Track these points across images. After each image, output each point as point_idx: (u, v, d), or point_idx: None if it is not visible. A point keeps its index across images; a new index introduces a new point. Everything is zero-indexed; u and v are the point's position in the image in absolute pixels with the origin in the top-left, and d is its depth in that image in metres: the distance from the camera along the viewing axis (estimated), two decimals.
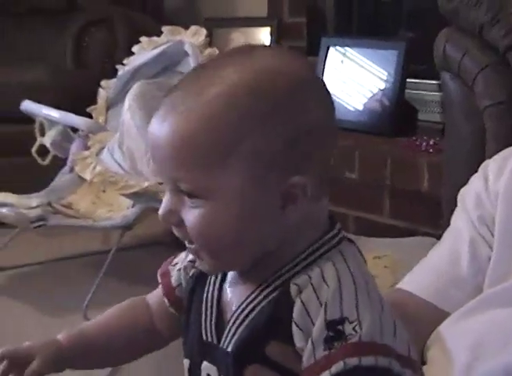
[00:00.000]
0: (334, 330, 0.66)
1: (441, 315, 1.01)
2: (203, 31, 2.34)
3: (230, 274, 0.75)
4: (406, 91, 2.63)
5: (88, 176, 2.10)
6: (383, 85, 2.62)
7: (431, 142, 2.26)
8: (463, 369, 0.92)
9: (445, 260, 1.07)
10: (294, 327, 0.68)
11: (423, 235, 1.94)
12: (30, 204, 2.24)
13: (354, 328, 0.66)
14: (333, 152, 0.72)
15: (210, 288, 0.76)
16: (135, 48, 2.48)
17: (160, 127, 0.69)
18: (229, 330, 0.72)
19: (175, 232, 0.72)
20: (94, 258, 2.60)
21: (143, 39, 2.47)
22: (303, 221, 0.70)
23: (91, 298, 2.20)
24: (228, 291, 0.75)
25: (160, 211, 0.72)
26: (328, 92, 0.72)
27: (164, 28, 2.44)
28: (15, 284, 2.53)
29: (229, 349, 0.71)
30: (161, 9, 3.40)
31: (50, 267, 2.65)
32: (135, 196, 2.06)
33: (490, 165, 1.09)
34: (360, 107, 2.67)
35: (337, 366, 0.65)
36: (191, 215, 0.69)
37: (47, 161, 2.49)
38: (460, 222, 1.07)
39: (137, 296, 2.38)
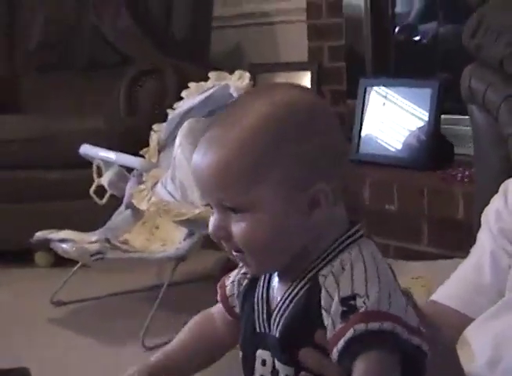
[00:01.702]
0: (347, 305, 0.78)
1: (467, 321, 1.09)
2: (247, 75, 2.46)
3: (274, 276, 0.88)
4: (443, 126, 2.72)
5: (144, 207, 2.23)
6: (420, 122, 2.71)
7: (466, 173, 2.36)
8: (485, 366, 1.01)
9: (469, 271, 1.16)
10: (323, 311, 0.80)
11: None
12: (89, 239, 2.37)
13: (363, 301, 0.78)
14: (346, 166, 0.86)
15: (260, 290, 0.89)
16: (183, 93, 2.61)
17: (203, 158, 0.82)
18: (275, 319, 0.85)
19: (224, 245, 0.85)
20: (149, 293, 2.68)
21: (191, 84, 2.59)
22: (325, 222, 0.83)
23: (147, 328, 2.29)
24: (274, 289, 0.87)
25: (211, 229, 0.85)
26: (336, 119, 0.86)
27: (211, 73, 2.55)
28: (76, 318, 2.62)
29: (277, 335, 0.84)
30: (208, 55, 3.52)
31: (108, 301, 2.75)
32: (188, 222, 2.18)
33: (510, 184, 1.18)
34: (399, 144, 2.76)
35: (349, 333, 0.77)
36: (237, 228, 0.82)
37: (104, 201, 2.61)
38: (483, 237, 1.17)
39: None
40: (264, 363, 0.86)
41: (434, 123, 2.67)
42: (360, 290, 0.79)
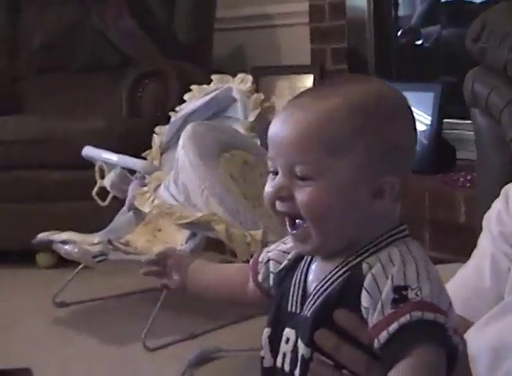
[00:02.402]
0: (400, 294, 0.79)
1: (468, 324, 1.09)
2: (250, 78, 2.47)
3: (314, 261, 0.90)
4: (445, 131, 2.72)
5: (146, 209, 2.24)
6: (422, 126, 2.72)
7: (468, 178, 2.36)
8: (486, 368, 1.02)
9: (470, 275, 1.17)
10: (364, 292, 0.81)
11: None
12: (91, 240, 2.38)
13: (416, 293, 0.79)
14: (410, 169, 0.88)
15: (299, 272, 0.90)
16: (186, 96, 2.62)
17: (289, 119, 0.85)
18: (311, 299, 0.86)
19: (281, 207, 0.86)
20: (151, 294, 2.67)
21: (194, 87, 2.61)
22: (383, 215, 0.85)
23: (149, 330, 2.30)
24: (313, 272, 0.89)
25: (272, 187, 0.86)
26: (415, 123, 0.89)
27: (214, 76, 2.57)
28: (78, 319, 2.64)
29: (308, 315, 0.85)
30: (210, 59, 3.53)
31: (110, 303, 2.76)
32: (190, 225, 2.18)
33: (511, 188, 1.19)
34: None
35: (405, 319, 0.78)
36: (302, 192, 0.83)
37: (106, 202, 2.62)
38: (484, 241, 1.17)
39: (190, 327, 2.50)
40: (287, 341, 0.88)
41: (437, 127, 2.67)
42: (412, 283, 0.80)
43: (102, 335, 2.44)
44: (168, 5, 3.59)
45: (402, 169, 0.86)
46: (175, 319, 2.50)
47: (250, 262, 0.98)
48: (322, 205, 0.83)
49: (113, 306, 2.74)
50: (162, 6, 3.59)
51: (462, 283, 1.17)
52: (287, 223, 0.86)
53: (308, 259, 0.91)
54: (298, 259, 0.92)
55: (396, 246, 0.84)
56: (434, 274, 0.82)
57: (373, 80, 0.91)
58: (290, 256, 0.93)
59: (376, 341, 0.80)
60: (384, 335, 0.80)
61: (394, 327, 0.79)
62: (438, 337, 0.79)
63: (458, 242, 2.21)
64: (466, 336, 1.05)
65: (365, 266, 0.83)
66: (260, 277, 0.96)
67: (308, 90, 0.89)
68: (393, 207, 0.86)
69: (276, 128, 0.86)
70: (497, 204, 1.19)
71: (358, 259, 0.84)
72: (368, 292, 0.81)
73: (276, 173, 0.86)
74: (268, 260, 0.95)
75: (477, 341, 1.04)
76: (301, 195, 0.84)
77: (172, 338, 2.36)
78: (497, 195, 1.20)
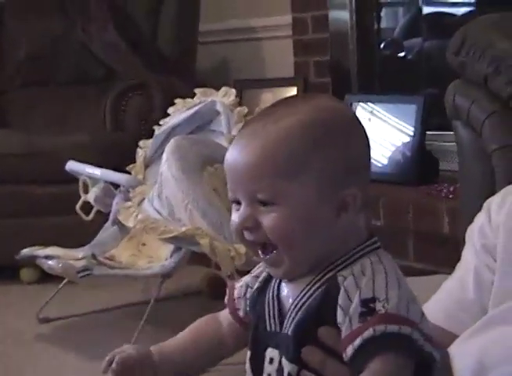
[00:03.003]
0: (367, 306, 0.81)
1: (451, 337, 1.09)
2: (233, 91, 2.48)
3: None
4: (428, 142, 2.74)
5: (131, 224, 2.24)
6: (405, 138, 2.74)
7: (451, 189, 2.38)
8: None
9: (454, 288, 1.17)
10: (338, 308, 0.82)
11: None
12: (75, 256, 2.37)
13: (383, 305, 0.81)
14: (368, 179, 0.90)
15: (271, 290, 0.91)
16: (170, 110, 2.62)
17: (242, 150, 0.85)
18: (290, 315, 0.87)
19: (249, 236, 0.86)
20: (135, 309, 2.70)
21: (178, 101, 2.61)
22: (349, 227, 0.86)
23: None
24: (286, 289, 0.89)
25: (238, 219, 0.86)
26: (366, 134, 0.90)
27: (197, 90, 2.57)
28: (62, 334, 2.63)
29: (290, 332, 0.86)
30: (193, 72, 3.53)
31: (95, 318, 2.76)
32: (175, 240, 2.18)
33: (493, 200, 1.19)
34: (385, 159, 2.78)
35: (368, 333, 0.80)
36: (268, 218, 0.84)
37: (90, 217, 2.61)
38: (467, 254, 1.18)
39: None
40: (271, 361, 0.88)
41: (420, 138, 2.69)
42: (380, 294, 0.81)
43: (87, 351, 2.42)
44: (152, 19, 3.60)
45: (361, 180, 0.87)
46: (160, 334, 2.46)
47: (225, 299, 0.97)
48: (287, 230, 0.84)
49: (97, 321, 2.73)
50: (146, 19, 3.60)
51: (446, 296, 1.17)
52: (259, 250, 0.87)
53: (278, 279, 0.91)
54: (268, 280, 0.92)
55: (368, 257, 0.85)
56: (403, 285, 0.84)
57: (323, 97, 0.92)
58: (260, 278, 0.93)
59: (344, 355, 0.82)
60: (350, 349, 0.81)
61: (358, 341, 0.80)
62: (403, 348, 0.80)
63: (442, 253, 2.22)
64: (450, 349, 1.06)
65: (340, 279, 0.84)
66: (241, 313, 0.95)
67: (259, 115, 0.89)
68: (357, 219, 0.88)
69: (231, 159, 0.87)
70: (480, 218, 1.19)
71: (334, 271, 0.85)
72: (341, 308, 0.82)
73: (239, 203, 0.87)
74: (246, 291, 0.95)
75: (462, 354, 1.04)
76: (266, 221, 0.85)
77: None
78: (479, 206, 1.21)
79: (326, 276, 0.85)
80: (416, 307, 0.83)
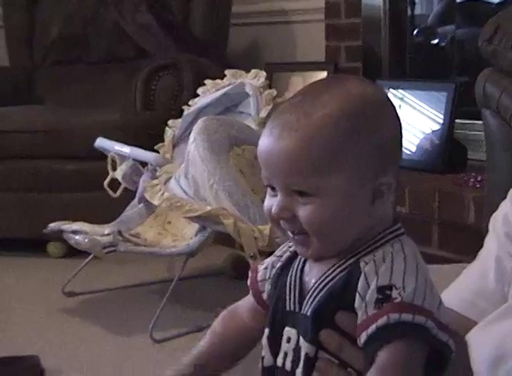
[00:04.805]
0: (383, 293, 0.81)
1: (470, 324, 1.09)
2: (263, 74, 2.48)
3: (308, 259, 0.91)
4: (457, 131, 2.72)
5: (156, 202, 2.26)
6: (435, 125, 2.72)
7: (478, 179, 2.36)
8: (488, 367, 1.02)
9: (474, 275, 1.17)
10: (357, 293, 0.83)
11: None
12: (102, 232, 2.40)
13: (399, 293, 0.81)
14: (400, 161, 0.89)
15: (294, 270, 0.91)
16: (199, 90, 2.64)
17: (276, 142, 0.85)
18: (310, 296, 0.87)
19: (285, 226, 0.87)
20: (159, 286, 2.73)
21: (207, 82, 2.62)
22: (382, 214, 0.86)
23: (156, 321, 2.32)
24: (309, 270, 0.90)
25: (274, 210, 0.86)
26: (398, 114, 0.90)
27: (227, 71, 2.58)
28: (87, 308, 2.66)
29: (308, 313, 0.86)
30: (224, 53, 3.55)
31: (119, 293, 2.79)
32: (199, 219, 2.20)
33: None
34: (413, 146, 2.77)
35: (382, 320, 0.80)
36: (304, 210, 0.84)
37: (118, 194, 2.65)
38: (489, 242, 1.18)
39: (197, 320, 2.52)
40: (289, 340, 0.88)
41: (449, 126, 2.67)
42: (397, 281, 0.81)
43: (110, 325, 2.46)
44: (185, 0, 3.61)
45: (394, 165, 0.87)
46: (182, 311, 2.52)
47: (248, 282, 0.97)
48: (322, 222, 0.84)
49: (121, 297, 2.76)
50: (178, 1, 3.61)
51: (466, 284, 1.17)
52: (289, 231, 0.87)
53: (303, 258, 0.91)
54: (292, 258, 0.92)
55: (391, 244, 0.85)
56: (423, 273, 0.84)
57: (353, 81, 0.90)
58: (283, 258, 0.94)
59: (358, 341, 0.82)
60: (363, 336, 0.81)
61: (372, 328, 0.81)
62: (416, 337, 0.80)
63: (466, 242, 2.22)
64: (468, 336, 1.05)
65: (362, 264, 0.84)
66: (265, 295, 0.95)
67: (290, 105, 0.87)
68: (390, 207, 0.87)
69: (266, 149, 0.86)
70: (504, 206, 1.19)
71: (357, 257, 0.85)
72: (359, 293, 0.83)
73: (273, 188, 0.87)
74: (270, 274, 0.94)
75: (480, 341, 1.04)
76: (303, 213, 0.85)
77: (178, 331, 2.37)
78: (505, 197, 1.21)
79: (350, 261, 0.86)
80: (433, 296, 0.83)
